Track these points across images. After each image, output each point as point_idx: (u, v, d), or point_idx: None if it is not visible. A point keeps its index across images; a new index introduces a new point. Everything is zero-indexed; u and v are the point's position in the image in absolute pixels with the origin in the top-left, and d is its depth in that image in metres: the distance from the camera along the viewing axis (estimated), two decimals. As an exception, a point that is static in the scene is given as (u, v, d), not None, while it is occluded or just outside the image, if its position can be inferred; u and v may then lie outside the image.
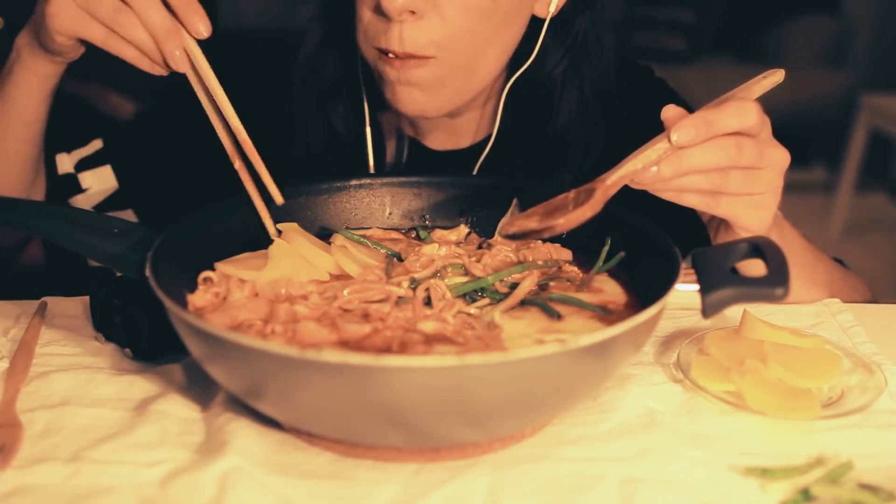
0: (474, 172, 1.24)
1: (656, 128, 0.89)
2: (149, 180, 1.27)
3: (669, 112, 0.88)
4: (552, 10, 1.14)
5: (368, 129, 1.22)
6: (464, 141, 1.26)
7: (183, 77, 0.95)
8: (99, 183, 1.25)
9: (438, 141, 1.27)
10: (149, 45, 0.92)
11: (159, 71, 0.95)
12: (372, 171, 1.23)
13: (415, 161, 1.26)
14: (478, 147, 1.25)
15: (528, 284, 0.90)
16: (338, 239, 0.99)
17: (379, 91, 1.13)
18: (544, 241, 0.98)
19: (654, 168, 0.87)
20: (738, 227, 0.97)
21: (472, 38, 1.07)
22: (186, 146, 1.26)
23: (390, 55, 1.06)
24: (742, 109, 0.88)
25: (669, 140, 0.86)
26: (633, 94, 1.25)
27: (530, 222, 0.90)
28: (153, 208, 1.26)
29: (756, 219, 0.95)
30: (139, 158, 1.28)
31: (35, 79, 1.07)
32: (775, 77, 0.96)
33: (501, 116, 1.22)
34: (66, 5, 0.94)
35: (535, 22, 1.16)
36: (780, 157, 0.93)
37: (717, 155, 0.88)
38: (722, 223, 1.00)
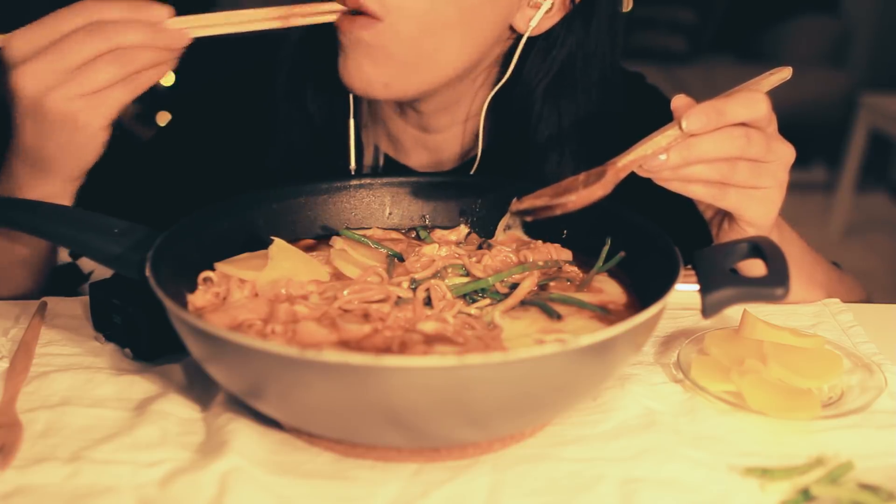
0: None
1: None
2: (154, 198, 1.26)
3: (679, 101, 0.88)
4: (533, 24, 1.10)
5: (352, 122, 1.20)
6: (447, 163, 1.24)
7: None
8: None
9: (419, 160, 1.25)
10: (155, 56, 0.94)
11: (173, 64, 0.97)
12: (353, 171, 1.21)
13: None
14: (463, 169, 1.22)
15: (528, 285, 0.90)
16: (337, 242, 0.98)
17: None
18: (545, 241, 0.98)
19: (662, 156, 0.87)
20: (742, 222, 0.96)
21: (429, 11, 1.03)
22: (190, 167, 1.27)
23: (339, 16, 1.03)
24: (752, 100, 0.89)
25: (680, 127, 0.87)
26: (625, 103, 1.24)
27: (540, 199, 0.90)
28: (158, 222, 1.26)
29: (761, 213, 0.95)
30: (146, 178, 1.28)
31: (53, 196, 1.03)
32: (783, 74, 0.97)
33: (485, 138, 1.19)
34: (93, 99, 0.94)
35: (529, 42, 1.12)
36: (787, 152, 0.93)
37: (725, 144, 0.88)
38: (725, 219, 1.00)
